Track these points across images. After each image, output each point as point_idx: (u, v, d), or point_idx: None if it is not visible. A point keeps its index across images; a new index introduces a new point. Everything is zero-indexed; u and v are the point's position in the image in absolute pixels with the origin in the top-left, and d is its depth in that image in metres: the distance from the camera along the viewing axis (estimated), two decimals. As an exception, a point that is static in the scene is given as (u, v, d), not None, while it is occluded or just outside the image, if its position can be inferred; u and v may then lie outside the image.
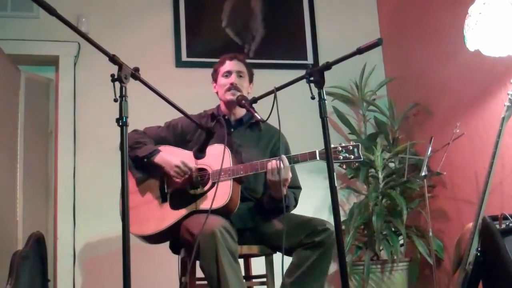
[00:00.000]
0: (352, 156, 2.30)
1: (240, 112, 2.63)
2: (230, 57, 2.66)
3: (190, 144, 2.53)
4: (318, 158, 2.30)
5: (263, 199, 2.51)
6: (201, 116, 2.67)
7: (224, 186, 2.34)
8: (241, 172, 2.36)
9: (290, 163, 2.34)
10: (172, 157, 2.43)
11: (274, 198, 2.40)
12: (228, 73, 2.61)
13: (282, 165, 2.28)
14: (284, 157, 2.34)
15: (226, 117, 2.63)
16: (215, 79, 2.68)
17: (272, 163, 2.31)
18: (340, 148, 2.32)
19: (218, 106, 2.70)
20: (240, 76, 2.61)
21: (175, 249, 2.53)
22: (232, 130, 2.62)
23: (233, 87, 2.55)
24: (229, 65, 2.63)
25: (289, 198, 2.48)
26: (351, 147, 2.32)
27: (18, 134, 3.57)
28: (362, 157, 2.32)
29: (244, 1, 4.13)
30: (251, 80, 2.69)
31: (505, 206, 2.83)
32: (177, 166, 2.39)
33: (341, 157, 2.31)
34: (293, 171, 2.47)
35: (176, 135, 2.62)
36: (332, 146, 2.30)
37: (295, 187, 2.56)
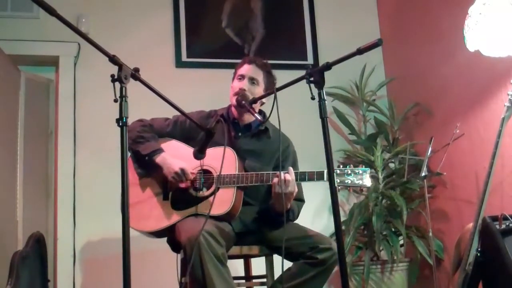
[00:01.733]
0: (360, 182, 2.26)
1: (250, 117, 2.55)
2: (249, 60, 2.58)
3: (196, 141, 2.47)
4: (325, 179, 2.24)
5: (266, 207, 2.48)
6: (210, 114, 2.62)
7: (227, 192, 2.33)
8: (246, 181, 2.33)
9: (296, 179, 2.30)
10: (174, 161, 2.40)
11: (276, 211, 2.36)
12: (241, 77, 2.53)
13: (289, 177, 2.25)
14: (291, 169, 2.30)
15: (236, 120, 2.59)
16: (232, 79, 2.61)
17: (280, 176, 2.26)
18: (350, 172, 2.27)
19: (229, 107, 2.62)
20: (253, 83, 2.52)
21: (173, 246, 2.52)
22: (240, 134, 2.57)
23: (241, 93, 2.47)
24: (244, 68, 2.54)
25: (293, 212, 2.46)
26: (360, 172, 2.27)
27: (18, 134, 3.57)
28: (370, 183, 2.27)
29: (244, 1, 4.13)
30: (268, 88, 2.53)
31: (505, 206, 2.83)
32: (175, 173, 2.37)
33: (348, 181, 2.26)
34: (298, 184, 2.43)
35: (183, 131, 2.57)
36: (341, 167, 2.28)
37: (299, 199, 2.52)
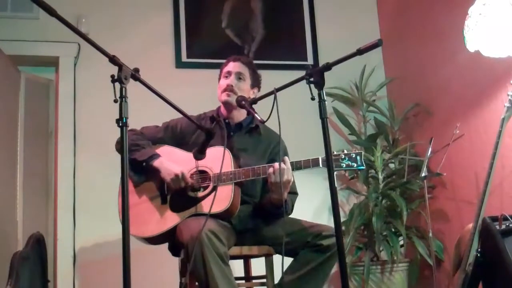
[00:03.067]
0: (355, 164, 2.30)
1: (239, 116, 2.60)
2: (234, 58, 2.63)
3: (189, 145, 2.50)
4: (321, 165, 2.29)
5: (262, 202, 2.50)
6: (200, 117, 2.64)
7: (226, 190, 2.33)
8: (243, 177, 2.35)
9: (293, 169, 2.32)
10: (172, 165, 2.41)
11: (274, 203, 2.38)
12: (228, 74, 2.58)
13: (284, 166, 2.28)
14: (286, 158, 2.33)
15: (227, 120, 2.61)
16: (219, 79, 2.65)
17: (275, 165, 2.29)
18: (343, 156, 2.31)
19: (218, 108, 2.67)
20: (240, 79, 2.57)
21: (174, 251, 2.52)
22: (232, 133, 2.59)
23: (228, 88, 2.52)
24: (230, 66, 2.60)
25: (287, 204, 2.46)
26: (353, 155, 2.31)
27: (18, 134, 3.57)
28: (364, 165, 2.32)
29: (244, 2, 4.13)
30: (254, 85, 2.63)
31: (505, 206, 2.83)
32: (175, 175, 2.37)
33: (344, 165, 2.30)
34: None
35: (174, 136, 2.59)
36: (335, 152, 2.30)
37: (292, 192, 2.54)
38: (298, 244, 2.32)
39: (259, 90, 2.66)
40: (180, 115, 2.60)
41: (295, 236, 2.32)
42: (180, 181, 2.37)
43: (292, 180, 2.34)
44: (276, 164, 2.29)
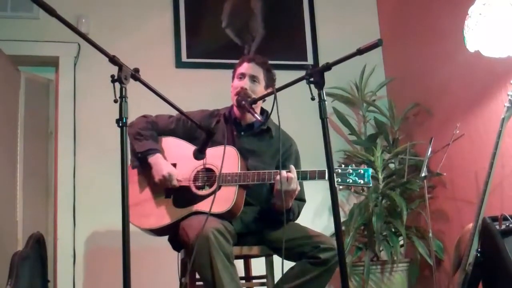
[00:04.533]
0: (362, 181, 2.26)
1: (252, 117, 2.52)
2: (248, 58, 2.58)
3: (199, 140, 2.45)
4: (327, 178, 2.25)
5: (267, 207, 2.47)
6: (213, 114, 2.62)
7: (229, 191, 2.32)
8: (248, 180, 2.33)
9: (298, 178, 2.29)
10: (165, 164, 2.41)
11: (277, 209, 2.36)
12: (242, 76, 2.53)
13: (291, 175, 2.25)
14: (293, 167, 2.30)
15: (238, 120, 2.59)
16: (232, 79, 2.61)
17: (282, 173, 2.26)
18: (351, 171, 2.27)
19: (232, 107, 2.62)
20: (254, 81, 2.51)
21: (174, 244, 2.52)
22: (242, 134, 2.57)
23: (242, 92, 2.48)
24: (244, 67, 2.54)
25: (293, 211, 2.45)
26: (362, 171, 2.26)
27: (18, 134, 3.57)
28: (371, 183, 2.27)
29: (244, 2, 4.13)
30: (269, 85, 2.56)
31: (505, 206, 2.83)
32: (163, 176, 2.37)
33: (350, 180, 2.26)
34: (300, 183, 2.43)
35: (185, 130, 2.57)
36: (343, 167, 2.28)
37: (300, 199, 2.52)
38: (296, 252, 2.29)
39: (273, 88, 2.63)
40: (194, 110, 2.60)
41: (295, 243, 2.28)
42: (167, 182, 2.37)
43: (298, 189, 2.30)
44: (283, 172, 2.26)
